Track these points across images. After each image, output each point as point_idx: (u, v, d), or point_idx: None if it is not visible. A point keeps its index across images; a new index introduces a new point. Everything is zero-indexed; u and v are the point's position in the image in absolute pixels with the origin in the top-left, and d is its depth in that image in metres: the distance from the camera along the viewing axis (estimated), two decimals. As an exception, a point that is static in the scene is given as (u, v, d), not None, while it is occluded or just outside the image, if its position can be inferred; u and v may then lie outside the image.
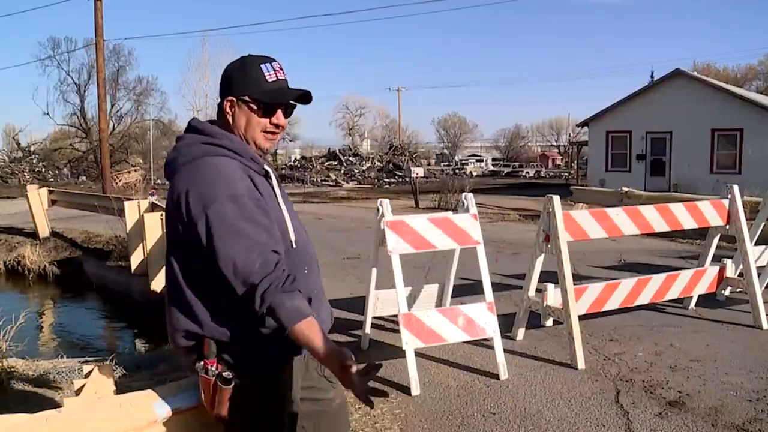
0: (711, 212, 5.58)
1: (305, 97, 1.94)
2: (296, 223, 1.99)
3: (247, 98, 1.88)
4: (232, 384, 1.87)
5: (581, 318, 4.86)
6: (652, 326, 5.64)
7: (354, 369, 1.66)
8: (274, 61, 1.92)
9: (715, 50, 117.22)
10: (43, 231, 13.12)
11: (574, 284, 4.84)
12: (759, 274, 5.83)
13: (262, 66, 1.89)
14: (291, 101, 1.94)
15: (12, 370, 4.67)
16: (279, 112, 1.91)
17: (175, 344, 1.97)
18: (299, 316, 1.73)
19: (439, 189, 19.22)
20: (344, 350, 1.72)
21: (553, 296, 4.91)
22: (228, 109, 1.91)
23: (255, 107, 1.88)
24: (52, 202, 13.73)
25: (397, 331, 4.37)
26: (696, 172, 22.98)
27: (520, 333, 5.29)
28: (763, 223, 6.37)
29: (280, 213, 1.92)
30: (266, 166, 1.94)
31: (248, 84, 1.88)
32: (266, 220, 1.82)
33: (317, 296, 2.02)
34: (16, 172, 37.76)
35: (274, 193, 1.93)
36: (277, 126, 1.92)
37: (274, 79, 1.89)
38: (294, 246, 1.92)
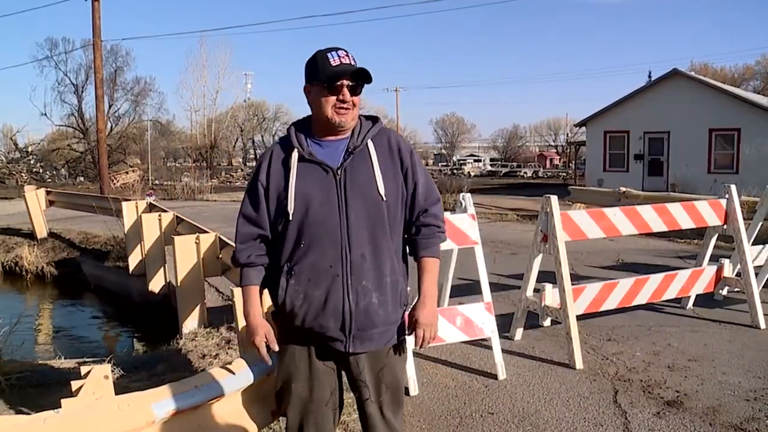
0: (708, 212, 5.59)
1: (361, 75, 2.19)
2: (312, 199, 2.18)
3: (315, 83, 2.22)
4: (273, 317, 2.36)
5: (579, 318, 4.87)
6: (650, 326, 5.65)
7: (255, 341, 2.25)
8: (341, 49, 2.22)
9: (713, 50, 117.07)
10: (41, 232, 13.10)
11: (572, 284, 4.85)
12: (756, 274, 5.85)
13: (329, 54, 2.20)
14: (351, 80, 2.19)
15: (10, 370, 4.67)
16: (344, 90, 2.19)
17: None
18: (243, 282, 2.31)
19: (437, 189, 19.18)
20: (256, 327, 2.25)
21: (551, 296, 4.92)
22: (307, 96, 2.28)
23: (322, 89, 2.20)
24: (50, 203, 13.70)
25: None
26: (694, 172, 22.99)
27: (518, 333, 5.30)
28: (760, 223, 6.38)
29: (282, 186, 2.22)
30: (297, 146, 2.24)
31: (316, 71, 2.21)
32: (251, 195, 2.29)
33: (313, 271, 2.18)
34: (14, 172, 37.64)
35: (288, 168, 2.22)
36: (343, 102, 2.19)
37: (338, 63, 2.18)
38: (290, 218, 2.19)
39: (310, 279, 2.18)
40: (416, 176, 2.33)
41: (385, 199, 2.22)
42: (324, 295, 2.17)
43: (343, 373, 2.37)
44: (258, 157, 2.55)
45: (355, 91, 2.21)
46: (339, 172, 2.20)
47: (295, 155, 2.22)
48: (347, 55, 2.20)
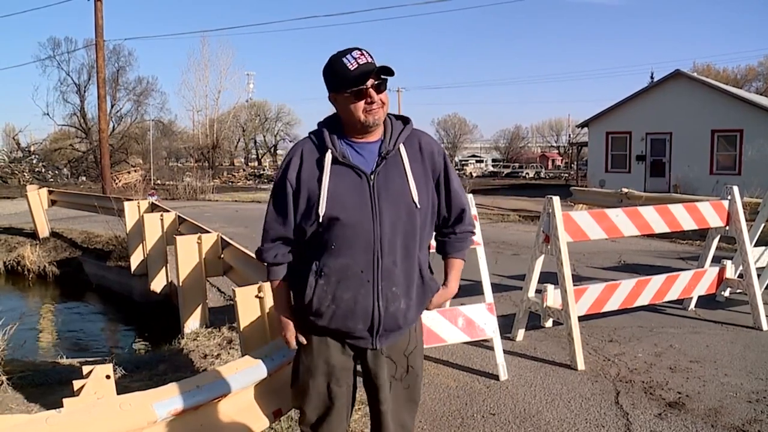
0: (711, 213, 5.58)
1: (384, 71, 2.16)
2: (346, 203, 2.16)
3: (340, 92, 2.18)
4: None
5: (581, 319, 4.86)
6: (651, 327, 5.65)
7: (287, 336, 2.32)
8: (356, 49, 2.17)
9: (715, 51, 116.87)
10: (43, 231, 13.10)
11: (574, 285, 4.84)
12: (759, 275, 5.84)
13: (344, 59, 2.15)
14: (374, 79, 2.15)
15: (12, 370, 4.67)
16: (370, 90, 2.15)
17: None
18: (271, 277, 2.33)
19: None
20: (288, 323, 2.30)
21: (552, 297, 4.91)
22: (333, 104, 2.26)
23: (348, 97, 2.16)
24: (52, 203, 13.70)
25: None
26: (696, 173, 22.96)
27: (520, 334, 5.29)
28: (762, 224, 6.37)
29: (316, 188, 2.18)
30: (331, 148, 2.20)
31: (337, 80, 2.17)
32: (279, 195, 2.25)
33: (344, 275, 2.17)
34: (16, 172, 37.64)
35: (321, 170, 2.19)
36: (372, 103, 2.16)
37: (356, 66, 2.13)
38: (321, 220, 2.16)
39: (339, 281, 2.17)
40: (450, 182, 2.32)
41: (419, 206, 2.22)
42: (353, 299, 2.18)
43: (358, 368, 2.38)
44: (285, 153, 2.48)
45: (379, 88, 2.18)
46: (372, 177, 2.18)
47: (329, 156, 2.20)
48: (362, 54, 2.16)
